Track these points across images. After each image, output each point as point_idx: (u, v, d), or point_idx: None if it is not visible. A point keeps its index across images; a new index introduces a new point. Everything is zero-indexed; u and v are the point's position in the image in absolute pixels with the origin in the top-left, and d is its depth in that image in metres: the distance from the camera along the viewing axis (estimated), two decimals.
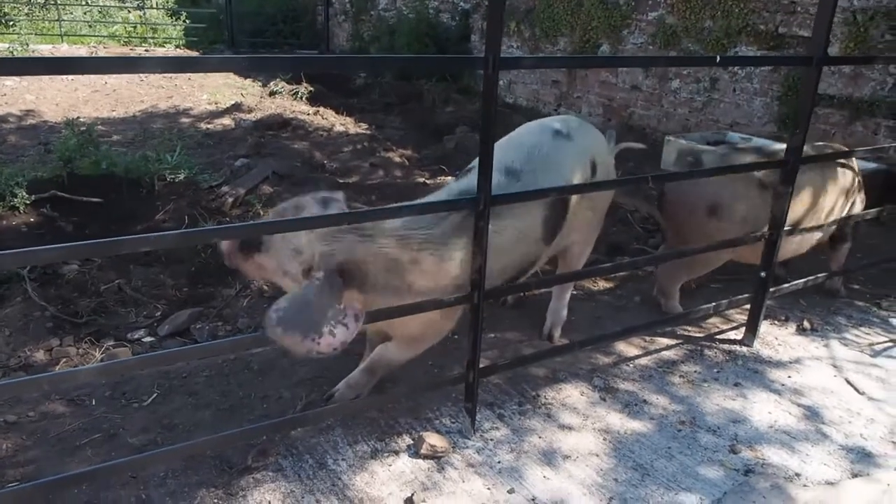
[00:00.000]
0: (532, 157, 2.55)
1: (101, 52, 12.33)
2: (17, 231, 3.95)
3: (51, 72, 1.63)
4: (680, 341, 3.15)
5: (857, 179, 3.47)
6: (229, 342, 2.20)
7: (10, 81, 9.07)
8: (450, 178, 5.62)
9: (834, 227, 3.33)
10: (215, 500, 2.06)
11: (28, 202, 4.03)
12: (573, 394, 2.71)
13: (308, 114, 8.54)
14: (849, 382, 2.83)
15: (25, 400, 2.48)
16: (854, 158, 3.42)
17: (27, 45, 11.47)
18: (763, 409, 2.64)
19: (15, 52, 10.99)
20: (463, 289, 2.24)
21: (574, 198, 2.66)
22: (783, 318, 3.37)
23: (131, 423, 2.40)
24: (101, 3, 15.00)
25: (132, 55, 12.16)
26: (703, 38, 6.92)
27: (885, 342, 3.18)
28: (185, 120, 7.94)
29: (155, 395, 2.57)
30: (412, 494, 2.11)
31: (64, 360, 2.80)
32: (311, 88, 9.58)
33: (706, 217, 3.12)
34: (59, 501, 2.02)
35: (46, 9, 14.11)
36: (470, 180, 2.24)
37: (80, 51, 12.34)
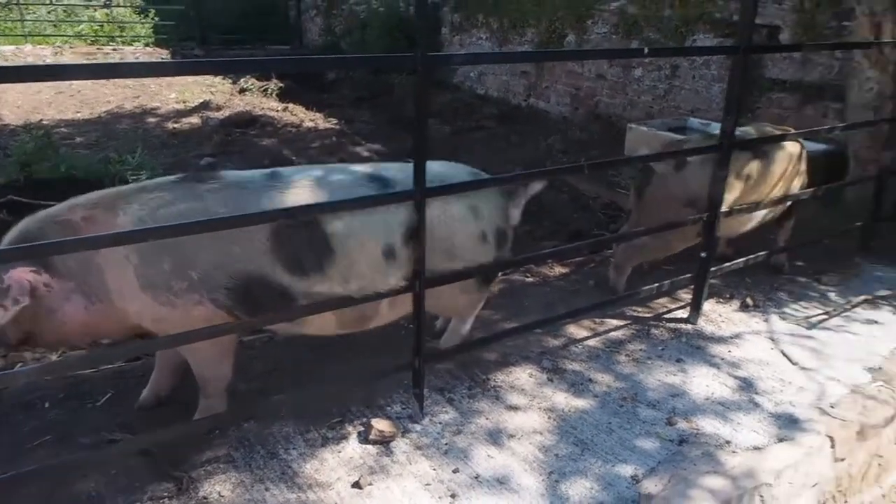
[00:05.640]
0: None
1: (67, 53, 12.23)
2: None
3: (25, 80, 1.67)
4: (628, 322, 3.26)
5: (800, 159, 3.61)
6: (170, 338, 2.21)
7: None
8: None
9: (784, 204, 3.48)
10: (166, 494, 2.13)
11: None
12: (522, 376, 2.80)
13: (277, 110, 8.57)
14: (784, 354, 2.96)
15: None
16: (800, 139, 3.55)
17: None
18: (701, 382, 2.76)
19: None
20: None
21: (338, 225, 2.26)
22: (728, 295, 3.50)
23: (84, 424, 2.45)
24: (66, 2, 14.84)
25: (100, 57, 12.09)
26: (663, 27, 7.04)
27: (821, 315, 3.33)
28: (151, 120, 7.95)
29: (109, 395, 2.62)
30: (359, 478, 2.19)
31: (19, 364, 2.85)
32: (282, 85, 9.61)
33: (684, 209, 3.19)
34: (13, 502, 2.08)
35: (9, 8, 13.92)
36: None
37: (45, 51, 12.23)
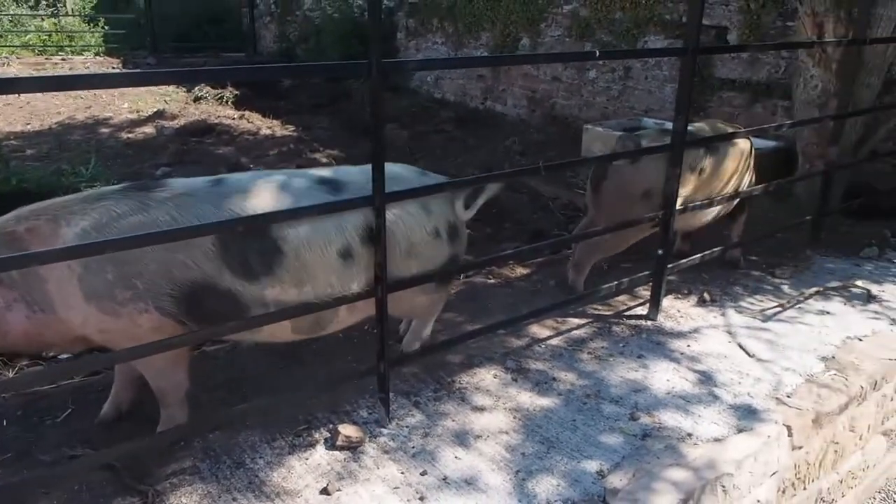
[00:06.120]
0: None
1: (14, 64, 11.90)
2: None
3: None
4: (590, 320, 3.31)
5: (750, 155, 3.73)
6: (126, 351, 2.13)
7: None
8: None
9: (735, 200, 3.59)
10: None
11: None
12: (487, 377, 2.83)
13: (233, 118, 8.48)
14: (741, 347, 3.04)
15: None
16: (749, 137, 3.67)
17: None
18: (662, 377, 2.82)
19: None
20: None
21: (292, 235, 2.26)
22: (686, 291, 3.59)
23: (44, 440, 2.40)
24: (13, 12, 14.44)
25: (48, 67, 11.80)
26: (615, 29, 7.17)
27: (775, 307, 3.43)
28: (104, 130, 7.79)
29: (69, 410, 2.57)
30: (327, 484, 2.18)
31: None
32: (237, 92, 9.51)
33: (640, 200, 3.26)
34: None
35: None
36: None
37: None
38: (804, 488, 2.75)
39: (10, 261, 1.81)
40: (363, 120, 8.52)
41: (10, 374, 2.82)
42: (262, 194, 2.29)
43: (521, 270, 3.92)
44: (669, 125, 6.12)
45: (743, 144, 3.63)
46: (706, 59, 6.11)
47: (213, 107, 9.05)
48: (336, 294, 2.35)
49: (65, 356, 3.11)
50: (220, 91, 9.53)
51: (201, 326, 2.23)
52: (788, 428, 2.53)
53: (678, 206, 3.13)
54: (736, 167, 3.57)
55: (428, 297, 2.74)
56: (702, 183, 3.40)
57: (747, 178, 3.74)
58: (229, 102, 9.25)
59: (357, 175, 2.48)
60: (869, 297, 3.59)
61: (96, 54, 13.63)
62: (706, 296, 3.51)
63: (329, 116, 8.98)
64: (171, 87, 10.26)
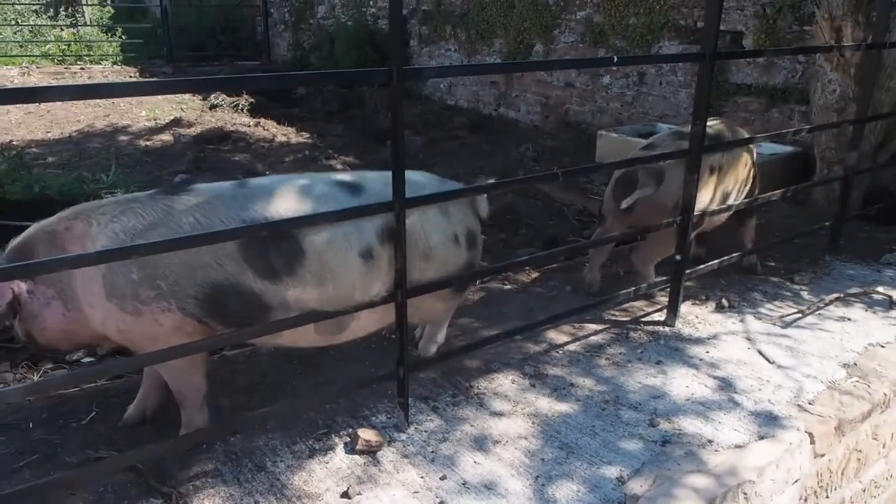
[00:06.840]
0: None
1: (34, 73, 12.05)
2: None
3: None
4: (607, 325, 3.31)
5: (753, 160, 3.73)
6: (156, 354, 2.19)
7: None
8: None
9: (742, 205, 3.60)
10: None
11: None
12: (504, 382, 2.83)
13: (249, 125, 8.53)
14: (760, 353, 3.03)
15: None
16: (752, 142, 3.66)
17: None
18: (682, 383, 2.81)
19: None
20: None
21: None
22: (704, 297, 3.57)
23: (70, 443, 2.43)
24: (33, 22, 14.64)
25: (67, 76, 11.94)
26: (629, 35, 7.17)
27: (795, 313, 3.41)
28: (123, 138, 7.87)
29: (94, 413, 2.60)
30: (347, 488, 2.19)
31: (0, 385, 2.82)
32: (252, 100, 9.57)
33: (671, 212, 3.19)
34: None
35: None
36: None
37: (12, 72, 12.03)
38: (826, 497, 2.72)
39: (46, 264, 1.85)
40: (377, 126, 8.56)
41: (36, 378, 2.86)
42: (285, 197, 2.32)
43: (536, 276, 3.93)
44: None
45: (746, 150, 3.66)
46: (721, 64, 6.10)
47: (228, 114, 9.11)
48: (358, 294, 2.36)
49: (88, 360, 3.15)
50: (235, 99, 9.59)
51: (223, 326, 2.26)
52: (810, 435, 2.51)
53: (701, 210, 3.13)
54: (746, 162, 3.58)
55: (444, 303, 2.76)
56: (719, 181, 3.39)
57: (751, 183, 3.74)
58: (244, 110, 9.30)
59: (378, 179, 2.51)
60: (891, 304, 3.55)
61: (114, 64, 13.74)
62: (724, 302, 3.50)
63: (343, 123, 9.02)
64: (188, 95, 10.33)
